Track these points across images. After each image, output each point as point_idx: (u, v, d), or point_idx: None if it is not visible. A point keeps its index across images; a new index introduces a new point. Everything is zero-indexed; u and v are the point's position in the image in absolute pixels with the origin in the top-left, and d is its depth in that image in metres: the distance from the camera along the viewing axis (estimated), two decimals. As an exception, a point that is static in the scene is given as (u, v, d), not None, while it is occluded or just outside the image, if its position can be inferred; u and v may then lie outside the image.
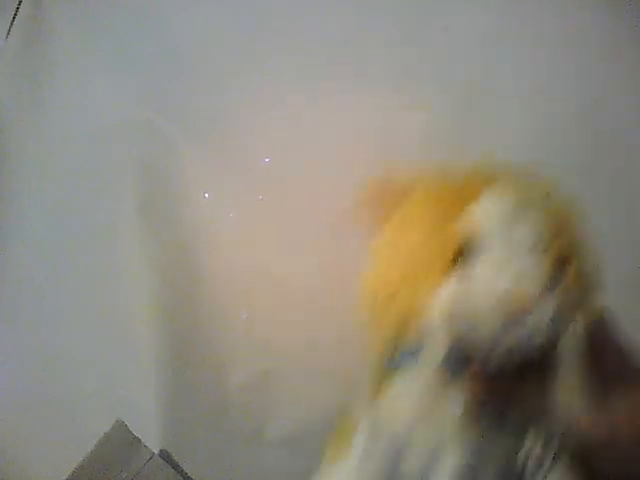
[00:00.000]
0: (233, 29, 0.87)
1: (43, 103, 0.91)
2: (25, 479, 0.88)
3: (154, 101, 0.88)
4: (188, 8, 0.88)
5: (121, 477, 0.82)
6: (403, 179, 0.56)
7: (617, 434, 0.47)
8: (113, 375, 0.89)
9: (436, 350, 0.48)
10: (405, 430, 0.50)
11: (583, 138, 0.79)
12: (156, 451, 0.84)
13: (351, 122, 0.83)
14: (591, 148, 0.79)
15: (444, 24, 0.82)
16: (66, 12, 0.89)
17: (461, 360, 0.47)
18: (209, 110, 0.86)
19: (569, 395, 0.47)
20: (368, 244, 0.55)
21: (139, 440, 0.84)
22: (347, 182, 0.83)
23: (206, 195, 0.87)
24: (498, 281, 0.44)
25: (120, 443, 0.83)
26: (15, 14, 0.89)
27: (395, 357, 0.52)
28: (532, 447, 0.48)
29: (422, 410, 0.49)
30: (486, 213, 0.47)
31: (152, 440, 0.85)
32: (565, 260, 0.46)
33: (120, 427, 0.84)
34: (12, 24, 0.89)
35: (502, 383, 0.47)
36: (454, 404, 0.48)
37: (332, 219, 0.83)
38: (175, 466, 0.85)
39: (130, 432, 0.84)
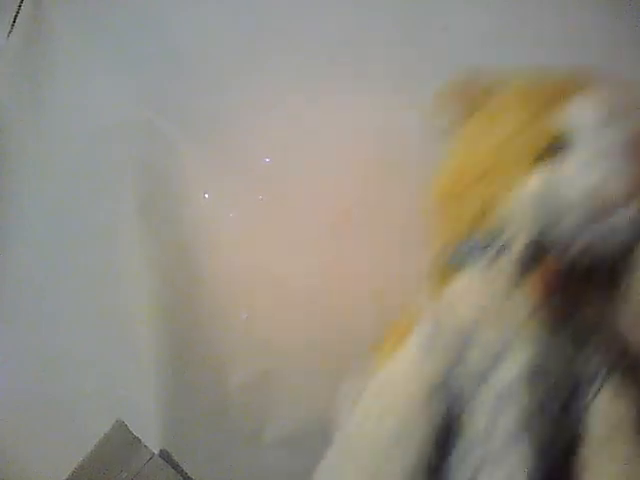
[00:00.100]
0: (233, 29, 0.87)
1: (43, 103, 0.91)
2: (25, 479, 0.88)
3: (154, 101, 0.88)
4: (188, 8, 0.88)
5: (121, 477, 0.82)
6: (490, 78, 0.56)
7: None
8: (113, 375, 0.89)
9: (513, 243, 0.47)
10: (470, 327, 0.50)
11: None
12: (156, 451, 0.84)
13: (351, 122, 0.83)
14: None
15: (444, 24, 0.82)
16: (66, 12, 0.89)
17: (536, 255, 0.47)
18: (209, 110, 0.86)
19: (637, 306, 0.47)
20: (449, 139, 0.55)
21: (139, 440, 0.84)
22: (347, 182, 0.84)
23: (206, 195, 0.87)
24: (586, 177, 0.45)
25: (120, 443, 0.83)
26: (16, 14, 0.89)
27: (463, 251, 0.51)
28: (591, 356, 0.48)
29: (489, 307, 0.49)
30: (580, 113, 0.47)
31: (152, 440, 0.85)
32: None
33: (120, 427, 0.84)
34: (13, 24, 0.89)
35: (572, 282, 0.47)
36: (522, 303, 0.48)
37: (332, 219, 0.83)
38: (175, 466, 0.85)
39: (130, 432, 0.84)
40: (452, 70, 0.81)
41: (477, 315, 0.49)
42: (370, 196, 0.82)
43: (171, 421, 0.86)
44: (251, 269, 0.85)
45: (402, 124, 0.82)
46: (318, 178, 0.84)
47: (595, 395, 0.48)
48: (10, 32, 0.90)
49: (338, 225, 0.82)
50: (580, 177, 0.45)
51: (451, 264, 0.52)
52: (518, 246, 0.47)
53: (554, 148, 0.47)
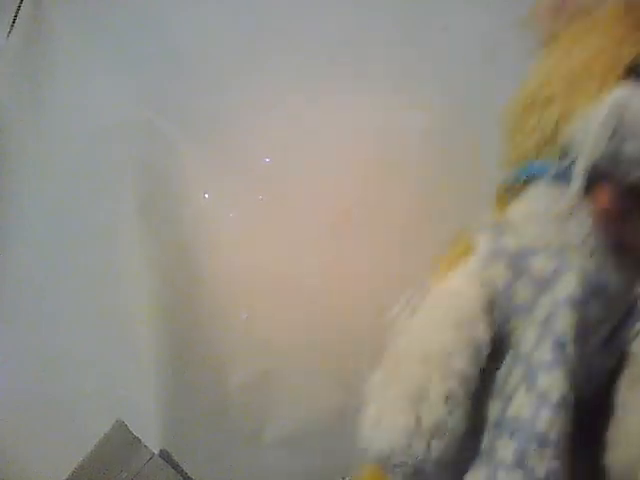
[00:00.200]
0: (233, 29, 0.87)
1: (43, 103, 0.91)
2: (25, 479, 0.88)
3: (154, 101, 0.88)
4: (188, 8, 0.88)
5: (121, 477, 0.82)
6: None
7: None
8: (113, 375, 0.89)
9: (576, 165, 0.47)
10: (529, 247, 0.49)
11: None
12: (156, 451, 0.84)
13: (351, 122, 0.83)
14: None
15: (444, 24, 0.82)
16: (66, 12, 0.89)
17: (597, 179, 0.46)
18: (209, 110, 0.86)
19: None
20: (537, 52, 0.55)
21: (139, 440, 0.83)
22: (347, 182, 0.84)
23: (206, 195, 0.87)
24: None
25: (120, 443, 0.83)
26: (16, 14, 0.89)
27: (530, 171, 0.51)
28: None
29: (548, 229, 0.49)
30: None
31: (152, 440, 0.85)
32: None
33: (120, 427, 0.84)
34: (13, 24, 0.89)
35: (632, 208, 0.46)
36: (581, 225, 0.48)
37: (332, 219, 0.83)
38: (175, 466, 0.85)
39: (130, 432, 0.84)
40: (452, 70, 0.82)
41: (537, 235, 0.50)
42: (370, 196, 0.82)
43: (171, 421, 0.86)
44: (251, 269, 0.85)
45: (402, 124, 0.82)
46: (318, 178, 0.84)
47: None
48: (10, 32, 0.90)
49: (338, 225, 0.82)
50: None
51: (517, 184, 0.52)
52: (580, 168, 0.47)
53: (637, 70, 0.46)
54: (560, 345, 0.47)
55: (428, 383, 0.48)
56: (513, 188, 0.53)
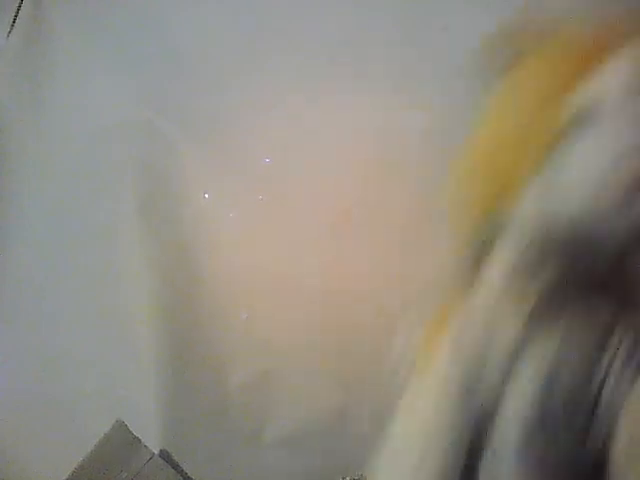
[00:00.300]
0: (233, 29, 0.87)
1: (43, 103, 0.91)
2: (25, 479, 0.88)
3: (154, 101, 0.88)
4: (188, 8, 0.88)
5: (121, 477, 0.82)
6: (537, 27, 0.53)
7: None
8: (113, 375, 0.89)
9: (517, 241, 0.43)
10: (490, 324, 0.45)
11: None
12: (156, 451, 0.84)
13: (351, 122, 0.83)
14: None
15: (444, 24, 0.82)
16: (66, 12, 0.89)
17: (541, 255, 0.42)
18: (209, 110, 0.86)
19: None
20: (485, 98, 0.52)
21: (139, 440, 0.83)
22: (347, 182, 0.84)
23: (206, 195, 0.87)
24: (600, 162, 0.39)
25: (120, 443, 0.83)
26: (16, 14, 0.89)
27: (488, 233, 0.46)
28: (618, 348, 0.41)
29: (500, 306, 0.44)
30: (607, 80, 0.42)
31: (152, 440, 0.85)
32: None
33: (120, 427, 0.84)
34: (13, 24, 0.89)
35: (578, 281, 0.41)
36: (526, 304, 0.43)
37: (332, 219, 0.83)
38: (175, 466, 0.85)
39: (130, 432, 0.84)
40: (452, 70, 0.82)
41: (493, 313, 0.45)
42: (370, 196, 0.82)
43: (171, 421, 0.86)
44: (251, 269, 0.85)
45: (402, 124, 0.82)
46: (318, 178, 0.84)
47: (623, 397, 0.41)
48: (10, 32, 0.90)
49: (338, 225, 0.82)
50: (592, 162, 0.40)
51: (478, 247, 0.48)
52: (521, 245, 0.43)
53: (578, 121, 0.42)
54: (521, 439, 0.42)
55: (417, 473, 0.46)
56: (479, 250, 0.47)
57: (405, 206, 0.83)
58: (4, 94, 0.91)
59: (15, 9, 0.89)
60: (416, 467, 0.46)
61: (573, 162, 0.41)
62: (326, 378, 0.84)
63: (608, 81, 0.41)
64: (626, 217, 0.39)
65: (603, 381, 0.41)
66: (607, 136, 0.40)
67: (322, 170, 0.84)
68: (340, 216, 0.83)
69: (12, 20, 0.89)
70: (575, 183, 0.40)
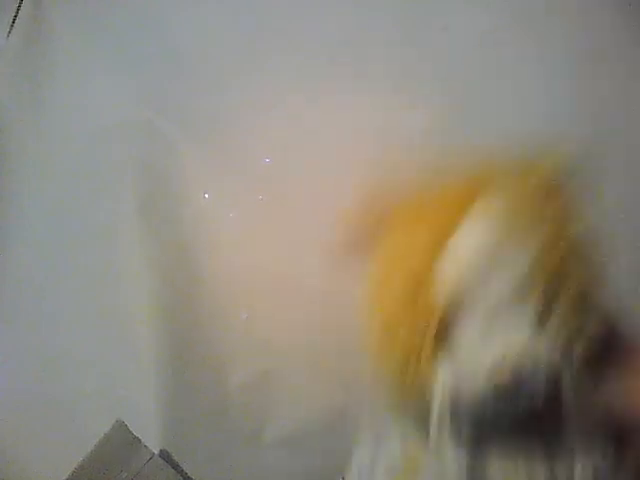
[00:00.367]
0: (233, 29, 0.87)
1: (43, 103, 0.91)
2: (25, 479, 0.88)
3: (154, 101, 0.88)
4: (188, 8, 0.88)
5: (121, 477, 0.82)
6: (380, 207, 0.56)
7: None
8: (113, 375, 0.89)
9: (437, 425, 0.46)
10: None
11: (583, 138, 0.79)
12: (156, 451, 0.84)
13: (351, 122, 0.83)
14: (591, 148, 0.79)
15: (444, 24, 0.82)
16: (66, 12, 0.89)
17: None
18: (209, 110, 0.86)
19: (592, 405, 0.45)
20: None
21: (139, 440, 0.84)
22: (347, 182, 0.84)
23: (206, 195, 0.87)
24: (483, 355, 0.43)
25: (120, 443, 0.83)
26: (16, 14, 0.89)
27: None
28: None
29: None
30: (462, 264, 0.44)
31: (152, 440, 0.85)
32: (560, 276, 0.44)
33: (120, 427, 0.84)
34: (13, 24, 0.89)
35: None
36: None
37: (332, 219, 0.83)
38: (175, 466, 0.85)
39: (130, 432, 0.84)
40: (452, 70, 0.82)
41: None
42: (370, 196, 0.82)
43: (171, 421, 0.86)
44: (251, 269, 0.85)
45: (402, 124, 0.82)
46: (318, 178, 0.84)
47: None
48: (10, 32, 0.90)
49: (338, 225, 0.82)
50: (476, 357, 0.43)
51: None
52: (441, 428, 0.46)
53: (447, 320, 0.44)
54: None
55: None
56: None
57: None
58: (4, 94, 0.91)
59: (15, 9, 0.89)
60: None
61: (467, 346, 0.44)
62: (326, 378, 0.84)
63: (462, 266, 0.44)
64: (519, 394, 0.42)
65: None
66: (478, 331, 0.43)
67: (322, 170, 0.84)
68: (340, 216, 0.83)
69: (12, 20, 0.89)
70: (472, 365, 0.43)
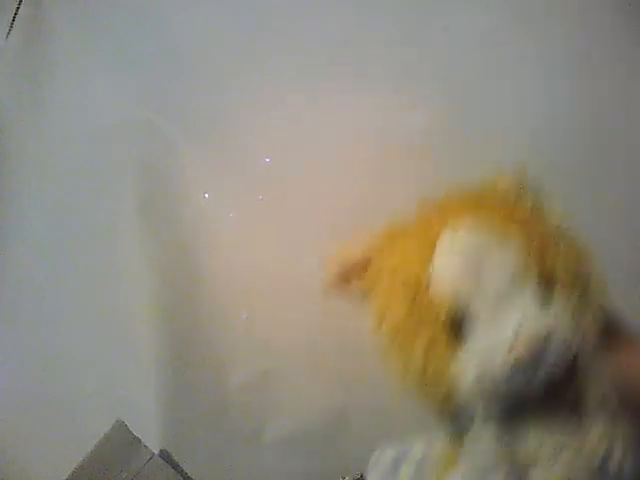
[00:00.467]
0: (233, 29, 0.87)
1: (43, 103, 0.91)
2: (25, 479, 0.88)
3: (154, 101, 0.88)
4: (188, 8, 0.88)
5: (121, 477, 0.82)
6: (360, 249, 0.59)
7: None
8: (113, 375, 0.89)
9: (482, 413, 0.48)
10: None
11: (583, 138, 0.79)
12: (156, 451, 0.84)
13: (351, 122, 0.83)
14: (591, 148, 0.79)
15: (444, 24, 0.82)
16: (66, 12, 0.89)
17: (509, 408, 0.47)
18: (209, 110, 0.86)
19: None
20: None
21: (139, 440, 0.83)
22: (347, 182, 0.84)
23: (206, 195, 0.87)
24: (498, 334, 0.44)
25: (120, 443, 0.83)
26: (15, 14, 0.89)
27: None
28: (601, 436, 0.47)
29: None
30: (452, 266, 0.47)
31: (152, 440, 0.85)
32: (554, 270, 0.46)
33: (120, 427, 0.84)
34: (12, 24, 0.89)
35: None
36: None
37: (332, 219, 0.83)
38: (175, 466, 0.85)
39: (130, 432, 0.84)
40: (452, 70, 0.82)
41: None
42: (370, 196, 0.82)
43: (171, 421, 0.86)
44: (251, 269, 0.85)
45: (402, 124, 0.82)
46: (318, 178, 0.84)
47: None
48: (10, 32, 0.90)
49: (338, 225, 0.82)
50: (494, 341, 0.45)
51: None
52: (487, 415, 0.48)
53: (455, 320, 0.47)
54: None
55: None
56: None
57: (405, 206, 0.83)
58: (4, 94, 0.91)
59: (15, 9, 0.89)
60: None
61: (481, 352, 0.46)
62: (326, 378, 0.84)
63: (452, 268, 0.47)
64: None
65: None
66: (488, 322, 0.46)
67: (322, 170, 0.84)
68: (340, 216, 0.83)
69: (12, 20, 0.89)
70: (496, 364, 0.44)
